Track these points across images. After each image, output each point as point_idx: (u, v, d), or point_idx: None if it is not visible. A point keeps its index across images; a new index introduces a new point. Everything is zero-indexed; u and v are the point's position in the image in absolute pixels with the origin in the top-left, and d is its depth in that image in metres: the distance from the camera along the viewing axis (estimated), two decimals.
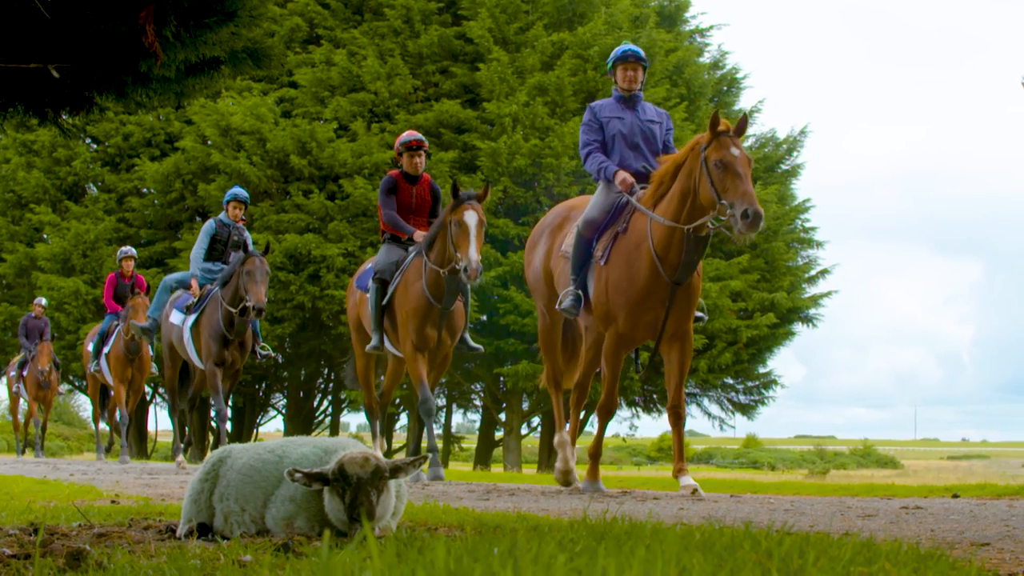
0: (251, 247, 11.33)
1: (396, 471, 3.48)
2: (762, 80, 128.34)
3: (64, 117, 3.77)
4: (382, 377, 10.96)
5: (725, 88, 23.91)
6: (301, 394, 25.16)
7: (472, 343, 9.86)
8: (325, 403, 26.23)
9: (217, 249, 12.08)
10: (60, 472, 11.09)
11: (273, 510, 3.54)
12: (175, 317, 12.10)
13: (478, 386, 22.69)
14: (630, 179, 7.49)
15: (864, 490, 8.57)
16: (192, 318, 11.70)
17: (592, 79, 20.83)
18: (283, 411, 25.72)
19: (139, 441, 23.37)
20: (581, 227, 7.62)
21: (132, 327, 13.69)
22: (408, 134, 9.97)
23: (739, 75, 24.05)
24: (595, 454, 8.00)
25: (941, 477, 24.08)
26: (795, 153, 23.29)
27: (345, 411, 26.06)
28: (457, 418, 28.59)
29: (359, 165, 20.51)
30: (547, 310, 8.37)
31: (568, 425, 8.50)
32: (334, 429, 26.16)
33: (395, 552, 2.42)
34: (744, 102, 24.23)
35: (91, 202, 23.12)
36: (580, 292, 7.58)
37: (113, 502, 5.85)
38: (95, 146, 23.99)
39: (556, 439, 8.39)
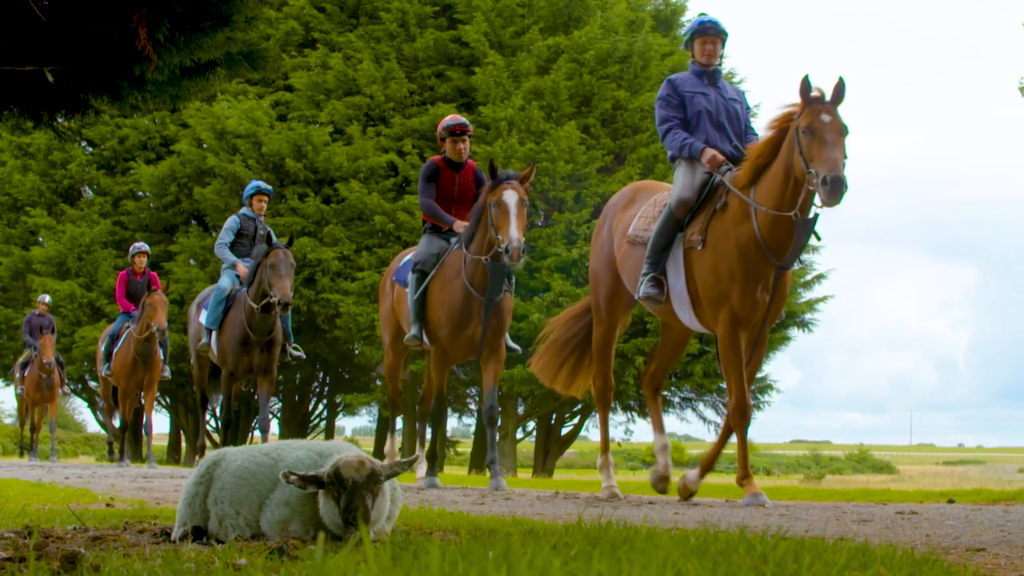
0: (274, 239, 10.67)
1: (391, 474, 3.48)
2: (757, 84, 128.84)
3: (59, 120, 3.76)
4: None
5: None
6: (296, 397, 25.15)
7: (511, 343, 9.00)
8: (320, 407, 26.23)
9: (244, 244, 11.49)
10: (55, 475, 11.06)
11: (268, 513, 3.54)
12: (202, 316, 11.52)
13: (473, 390, 22.66)
14: (720, 156, 6.94)
15: (860, 495, 8.56)
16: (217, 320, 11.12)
17: (588, 83, 20.84)
18: (278, 415, 25.70)
19: (135, 444, 23.33)
20: (674, 207, 6.99)
21: (158, 332, 13.70)
22: (451, 118, 9.26)
23: (735, 79, 24.05)
24: (744, 466, 6.79)
25: (937, 482, 24.12)
26: None
27: (340, 415, 26.06)
28: (452, 422, 28.57)
29: (354, 169, 20.51)
30: (606, 308, 7.68)
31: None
32: (329, 433, 26.16)
33: (390, 556, 2.41)
34: None
35: (86, 205, 23.10)
36: (662, 277, 7.02)
37: (108, 505, 5.84)
38: (91, 149, 23.95)
39: (599, 461, 7.82)
